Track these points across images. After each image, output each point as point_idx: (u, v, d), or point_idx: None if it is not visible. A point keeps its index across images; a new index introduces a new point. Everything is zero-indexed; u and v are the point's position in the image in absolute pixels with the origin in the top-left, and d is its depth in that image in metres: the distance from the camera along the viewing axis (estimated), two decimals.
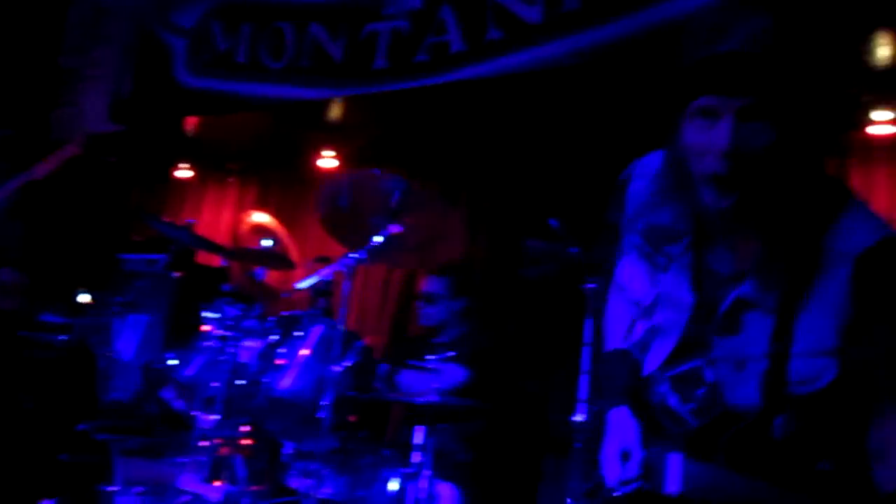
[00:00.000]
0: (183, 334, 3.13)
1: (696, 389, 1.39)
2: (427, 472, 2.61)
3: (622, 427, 1.47)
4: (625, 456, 1.44)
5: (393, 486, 2.90)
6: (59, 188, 5.81)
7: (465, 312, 3.64)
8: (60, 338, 4.39)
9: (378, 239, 2.60)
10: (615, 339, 1.62)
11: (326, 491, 2.83)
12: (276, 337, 2.75)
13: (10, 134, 4.32)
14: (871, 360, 1.29)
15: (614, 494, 1.43)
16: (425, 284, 3.54)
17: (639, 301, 1.54)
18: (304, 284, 2.45)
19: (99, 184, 6.02)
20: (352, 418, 2.80)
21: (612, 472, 1.45)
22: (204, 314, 2.74)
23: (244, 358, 2.61)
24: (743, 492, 1.28)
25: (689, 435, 1.37)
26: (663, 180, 1.44)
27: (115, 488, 2.65)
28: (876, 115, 3.53)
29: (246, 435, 3.05)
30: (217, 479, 2.57)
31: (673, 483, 1.33)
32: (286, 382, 2.67)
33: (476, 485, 3.09)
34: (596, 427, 1.54)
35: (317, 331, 2.76)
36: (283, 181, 5.65)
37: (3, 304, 3.82)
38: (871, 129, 3.61)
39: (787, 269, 1.31)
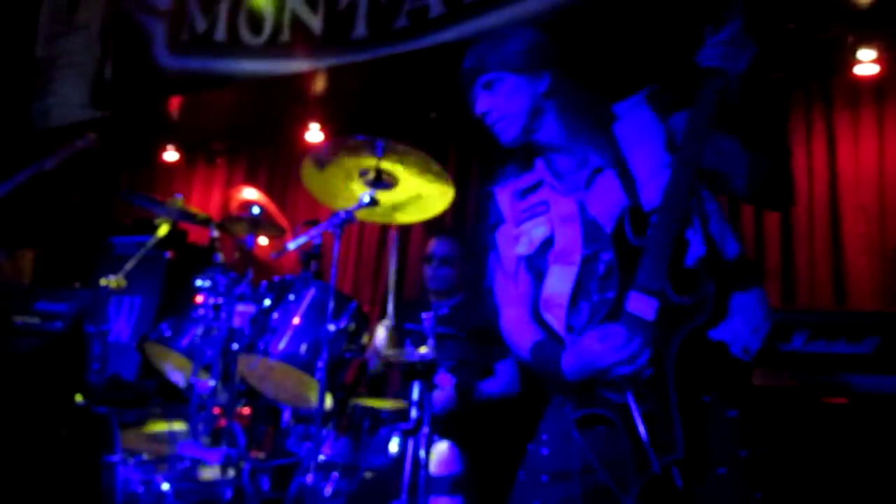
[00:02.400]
0: (177, 311, 3.12)
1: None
2: (426, 429, 2.61)
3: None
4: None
5: (393, 446, 2.91)
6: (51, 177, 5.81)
7: (469, 277, 3.64)
8: (56, 325, 4.40)
9: (366, 199, 2.58)
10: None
11: (326, 453, 2.84)
12: (268, 302, 2.75)
13: None
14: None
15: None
16: (437, 246, 3.48)
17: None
18: (293, 245, 2.44)
19: (87, 170, 6.00)
20: (347, 379, 2.80)
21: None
22: (196, 284, 2.73)
23: (238, 324, 2.61)
24: None
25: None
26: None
27: (115, 459, 2.66)
28: (861, 54, 3.51)
29: (244, 402, 3.07)
30: (217, 445, 2.57)
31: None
32: (281, 346, 2.67)
33: (476, 444, 3.10)
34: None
35: (309, 294, 2.76)
36: (271, 158, 5.64)
37: None
38: (857, 70, 3.59)
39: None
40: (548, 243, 1.77)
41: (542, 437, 1.76)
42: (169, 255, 4.43)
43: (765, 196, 1.68)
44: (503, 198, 1.89)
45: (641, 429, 1.50)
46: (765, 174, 1.61)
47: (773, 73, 3.79)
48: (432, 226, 3.95)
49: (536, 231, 1.79)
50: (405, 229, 4.80)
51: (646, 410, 1.51)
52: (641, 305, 1.55)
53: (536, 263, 1.81)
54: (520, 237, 1.82)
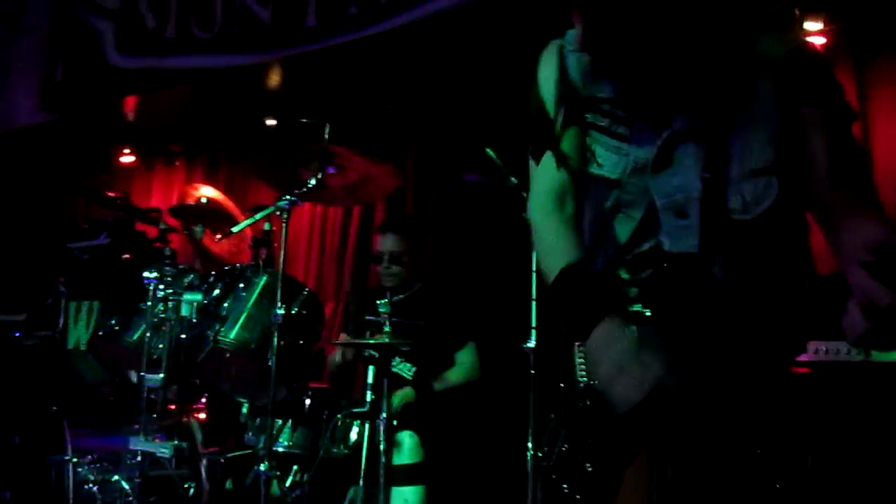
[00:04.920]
0: (127, 306, 3.05)
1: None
2: (382, 415, 2.57)
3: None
4: None
5: (353, 435, 2.87)
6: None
7: (421, 267, 3.61)
8: (16, 334, 4.30)
9: (312, 182, 2.54)
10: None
11: (283, 444, 2.80)
12: (218, 291, 2.69)
13: None
14: (806, 160, 1.29)
15: None
16: (384, 244, 3.43)
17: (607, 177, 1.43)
18: (236, 229, 2.39)
19: (43, 176, 5.89)
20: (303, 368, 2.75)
21: None
22: (144, 275, 2.66)
23: (186, 314, 2.55)
24: None
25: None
26: (592, 55, 1.40)
27: (66, 458, 2.59)
28: (808, 25, 3.53)
29: (200, 397, 3.01)
30: (170, 440, 2.51)
31: None
32: (232, 335, 2.61)
33: (435, 430, 3.06)
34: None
35: (260, 281, 2.70)
36: (231, 158, 5.56)
37: None
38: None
39: (711, 95, 1.31)
40: (612, 184, 1.41)
41: None
42: (126, 256, 4.35)
43: None
44: (572, 64, 1.44)
45: None
46: None
47: None
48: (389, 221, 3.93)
49: (606, 158, 1.41)
50: (368, 217, 4.76)
51: None
52: None
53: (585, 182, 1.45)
54: (585, 137, 1.43)
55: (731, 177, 1.29)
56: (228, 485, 2.87)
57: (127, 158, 5.87)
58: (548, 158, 1.46)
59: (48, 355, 3.37)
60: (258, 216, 2.43)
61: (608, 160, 1.41)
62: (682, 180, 1.33)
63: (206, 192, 4.18)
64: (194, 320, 2.48)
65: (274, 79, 4.58)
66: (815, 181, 1.30)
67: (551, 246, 1.42)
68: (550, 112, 1.45)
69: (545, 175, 1.47)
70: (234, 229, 2.38)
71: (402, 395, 3.00)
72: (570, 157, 1.44)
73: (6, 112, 5.36)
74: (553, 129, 1.44)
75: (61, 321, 3.75)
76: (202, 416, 3.04)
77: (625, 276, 1.38)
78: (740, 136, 1.30)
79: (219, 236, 2.51)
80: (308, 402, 2.88)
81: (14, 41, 5.51)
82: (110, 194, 3.16)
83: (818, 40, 3.57)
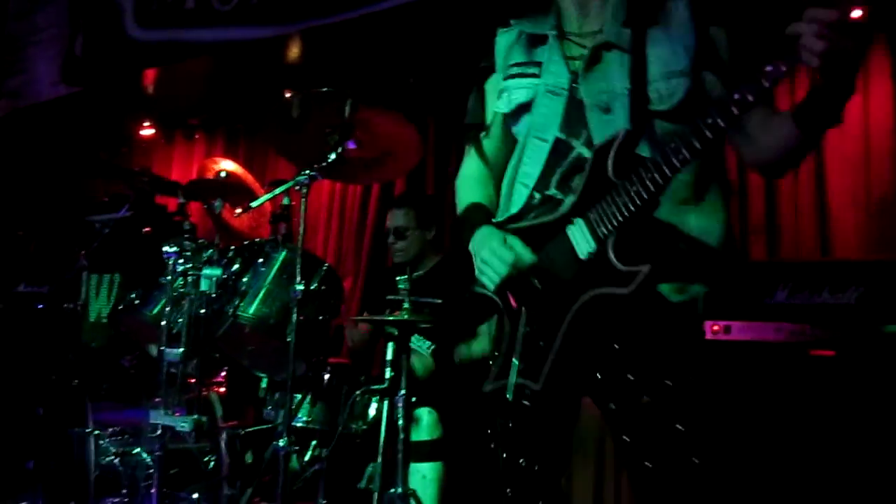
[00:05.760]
0: (147, 280, 3.05)
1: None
2: (402, 392, 2.56)
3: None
4: None
5: (371, 410, 2.87)
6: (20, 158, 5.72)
7: (435, 241, 3.58)
8: (38, 307, 4.34)
9: (332, 156, 2.51)
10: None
11: (302, 419, 2.80)
12: (237, 266, 2.68)
13: None
14: (714, 67, 1.57)
15: None
16: (391, 219, 3.45)
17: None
18: (255, 204, 2.37)
19: (62, 149, 5.91)
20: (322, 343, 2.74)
21: None
22: (164, 249, 2.65)
23: (206, 289, 2.54)
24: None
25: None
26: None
27: (87, 431, 2.61)
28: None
29: (220, 371, 3.02)
30: (190, 413, 2.51)
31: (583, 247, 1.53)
32: (251, 310, 2.60)
33: (454, 407, 3.05)
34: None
35: (279, 257, 2.69)
36: (250, 131, 5.54)
37: None
38: None
39: (636, 12, 1.58)
40: (524, 108, 1.68)
41: None
42: (147, 230, 4.35)
43: (775, 170, 1.70)
44: (502, 43, 1.79)
45: (517, 345, 1.63)
46: (792, 153, 1.56)
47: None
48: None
49: (518, 92, 1.69)
50: (388, 193, 4.73)
51: (529, 332, 1.61)
52: (580, 238, 1.52)
53: (510, 124, 1.74)
54: (503, 93, 1.73)
55: (649, 78, 1.55)
56: (248, 458, 2.88)
57: (147, 132, 5.87)
58: (474, 151, 1.82)
59: (69, 328, 3.39)
60: (277, 191, 2.41)
61: (520, 93, 1.68)
62: (607, 84, 1.57)
63: (226, 165, 4.17)
64: (213, 295, 2.47)
65: (294, 51, 4.53)
66: (724, 86, 1.57)
67: (467, 196, 1.80)
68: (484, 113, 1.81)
69: (472, 162, 1.84)
70: (254, 204, 2.36)
71: (423, 363, 3.00)
72: (491, 157, 1.80)
73: (29, 85, 5.38)
74: (483, 127, 1.80)
75: (83, 294, 3.76)
76: (222, 390, 3.05)
77: (558, 195, 1.59)
78: (659, 47, 1.56)
79: (238, 211, 2.50)
80: (327, 377, 2.88)
81: (35, 11, 5.51)
82: (132, 169, 3.13)
83: (854, 13, 3.46)
